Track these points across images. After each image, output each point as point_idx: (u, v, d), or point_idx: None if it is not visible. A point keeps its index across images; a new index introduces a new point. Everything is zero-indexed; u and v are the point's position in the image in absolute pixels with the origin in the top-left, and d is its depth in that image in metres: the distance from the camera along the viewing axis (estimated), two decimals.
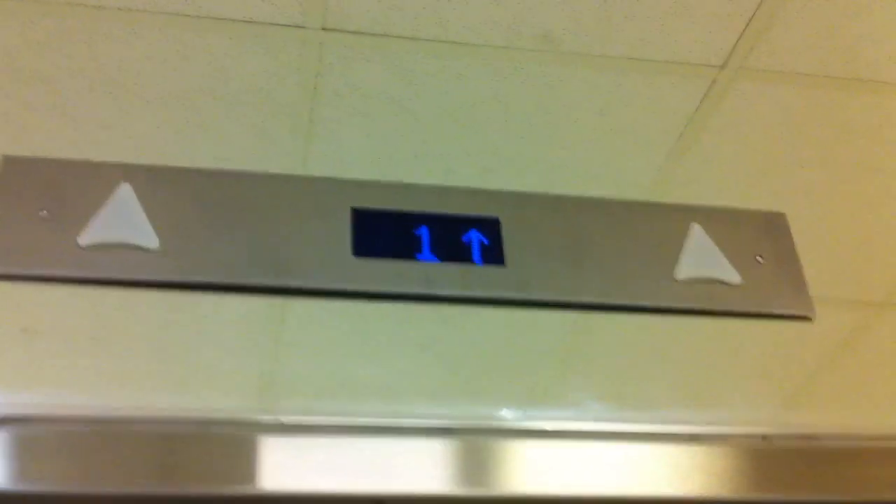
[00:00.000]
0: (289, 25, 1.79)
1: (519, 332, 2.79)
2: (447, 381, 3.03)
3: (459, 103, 1.98)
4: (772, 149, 2.15)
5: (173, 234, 1.73)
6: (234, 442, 3.04)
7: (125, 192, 1.76)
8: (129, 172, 1.79)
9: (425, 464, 3.18)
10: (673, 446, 3.35)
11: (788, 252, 2.04)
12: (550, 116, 2.02)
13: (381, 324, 2.70)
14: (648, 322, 2.76)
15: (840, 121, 2.08)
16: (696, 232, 1.99)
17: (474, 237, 1.85)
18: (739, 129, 2.09)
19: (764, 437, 3.40)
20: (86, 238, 1.68)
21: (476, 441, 3.23)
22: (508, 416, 3.25)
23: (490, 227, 1.88)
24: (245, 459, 3.06)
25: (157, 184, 1.78)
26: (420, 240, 1.82)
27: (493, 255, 1.84)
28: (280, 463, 3.06)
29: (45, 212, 1.71)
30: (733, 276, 1.93)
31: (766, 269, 1.98)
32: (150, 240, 1.71)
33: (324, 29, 1.80)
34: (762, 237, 2.03)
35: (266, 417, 3.08)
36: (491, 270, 1.82)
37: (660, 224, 1.98)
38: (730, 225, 2.03)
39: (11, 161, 1.77)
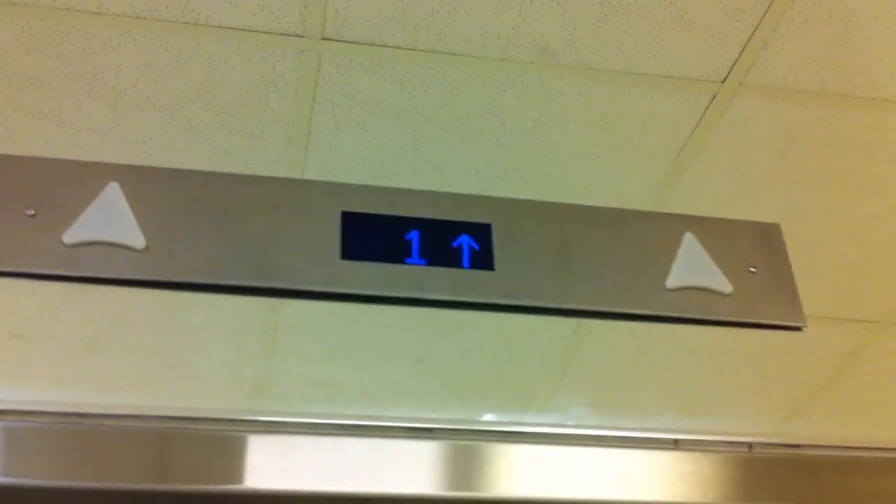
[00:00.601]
0: (287, 34, 1.78)
1: (507, 337, 2.78)
2: (435, 384, 3.02)
3: (457, 115, 1.97)
4: (771, 165, 2.15)
5: (160, 234, 1.72)
6: (223, 440, 3.03)
7: (113, 191, 1.75)
8: (117, 172, 1.78)
9: (413, 465, 3.18)
10: (658, 452, 3.35)
11: (781, 263, 2.04)
12: (547, 129, 2.02)
13: (372, 327, 2.69)
14: (638, 329, 2.76)
15: (839, 138, 2.08)
16: (689, 241, 1.98)
17: (465, 242, 1.84)
18: (739, 145, 2.08)
19: (749, 446, 3.40)
20: (71, 236, 1.67)
21: (463, 444, 3.22)
22: (495, 419, 3.25)
23: (481, 233, 1.87)
24: (234, 458, 3.05)
25: (146, 184, 1.77)
26: (410, 244, 1.82)
27: (483, 259, 1.83)
28: (269, 462, 3.05)
29: (31, 210, 1.70)
30: (725, 286, 1.93)
31: (759, 280, 1.98)
32: (137, 239, 1.70)
33: (323, 38, 1.79)
34: (755, 247, 2.03)
35: (255, 417, 3.08)
36: (480, 275, 1.81)
37: (652, 232, 1.98)
38: (723, 235, 2.02)
39: None
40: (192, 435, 2.99)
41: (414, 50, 1.83)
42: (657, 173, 2.15)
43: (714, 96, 1.96)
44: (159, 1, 1.70)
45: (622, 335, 2.81)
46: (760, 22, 1.81)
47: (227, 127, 1.96)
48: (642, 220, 2.01)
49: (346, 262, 1.76)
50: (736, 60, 1.89)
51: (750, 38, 1.84)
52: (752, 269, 1.98)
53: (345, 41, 1.80)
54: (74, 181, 1.75)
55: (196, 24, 1.75)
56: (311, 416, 3.10)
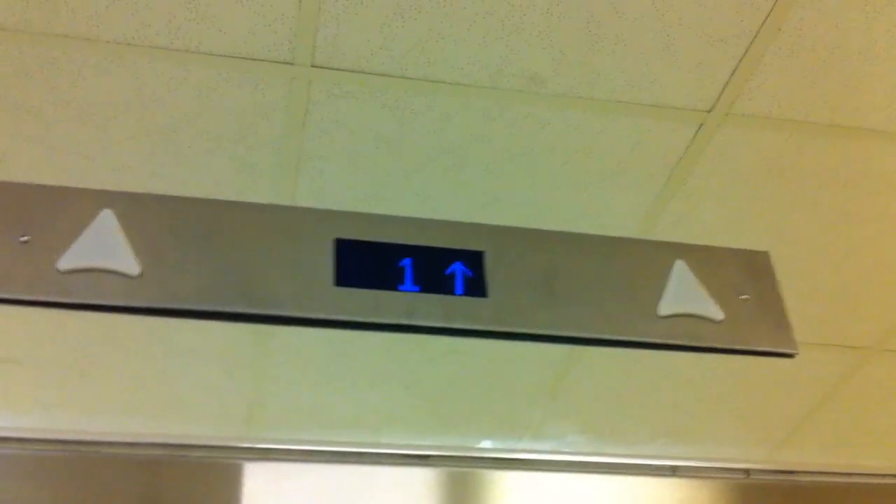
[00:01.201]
0: (277, 62, 1.79)
1: (499, 363, 2.79)
2: (427, 410, 3.02)
3: (446, 142, 1.98)
4: (758, 193, 2.16)
5: (154, 261, 1.72)
6: (215, 468, 3.03)
7: (107, 218, 1.75)
8: (111, 199, 1.78)
9: (406, 492, 3.18)
10: (654, 479, 3.35)
11: (772, 290, 2.04)
12: (536, 157, 2.03)
13: (363, 353, 2.69)
14: (631, 356, 2.76)
15: (825, 167, 2.10)
16: (680, 268, 1.98)
17: (458, 269, 1.85)
18: (726, 174, 2.10)
19: (746, 472, 3.40)
20: (65, 263, 1.67)
21: (455, 470, 3.22)
22: (488, 445, 3.25)
23: (474, 260, 1.87)
24: (227, 485, 3.05)
25: (139, 210, 1.77)
26: (403, 271, 1.82)
27: (477, 287, 1.83)
28: (262, 489, 3.05)
29: (25, 236, 1.70)
30: (716, 313, 1.93)
31: (750, 307, 1.98)
32: (131, 266, 1.69)
33: (313, 66, 1.81)
34: (746, 275, 2.03)
35: (247, 444, 3.08)
36: (473, 302, 1.81)
37: (643, 260, 1.98)
38: (713, 262, 2.02)
39: None
40: (185, 462, 2.99)
41: (404, 78, 1.85)
42: (645, 201, 2.16)
43: (701, 125, 1.98)
44: (150, 28, 1.72)
45: (615, 362, 2.82)
46: (746, 52, 1.83)
47: (217, 153, 1.97)
48: (634, 247, 2.01)
49: (340, 289, 1.76)
50: (722, 90, 1.90)
51: (736, 68, 1.86)
52: (742, 297, 1.98)
53: (335, 69, 1.82)
54: (69, 208, 1.75)
55: (187, 51, 1.76)
56: (304, 442, 3.10)
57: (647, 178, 2.10)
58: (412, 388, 2.86)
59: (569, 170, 2.07)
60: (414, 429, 3.11)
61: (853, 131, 2.01)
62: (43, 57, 1.76)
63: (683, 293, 1.94)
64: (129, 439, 2.96)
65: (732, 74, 1.87)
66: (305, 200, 2.09)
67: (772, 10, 1.75)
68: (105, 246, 1.71)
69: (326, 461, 3.13)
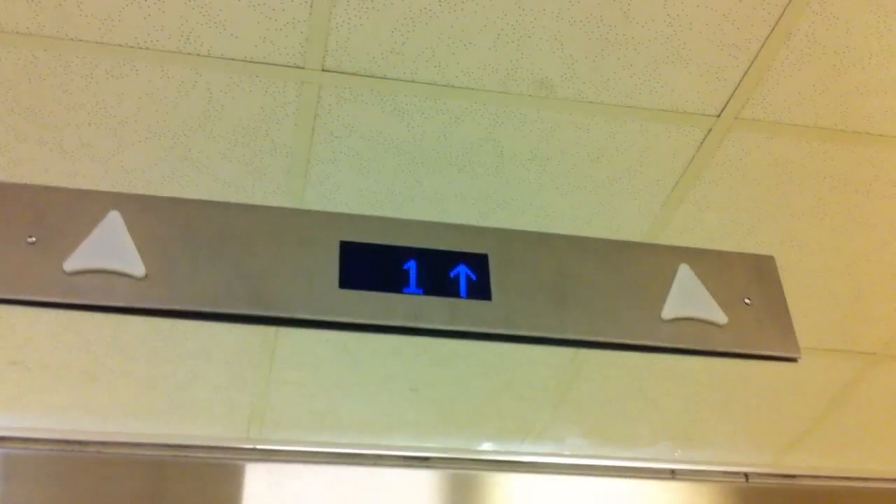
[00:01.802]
0: (288, 66, 1.80)
1: (503, 366, 2.79)
2: (431, 412, 3.02)
3: (455, 146, 1.99)
4: (766, 198, 2.16)
5: (160, 263, 1.73)
6: (220, 469, 3.03)
7: (113, 219, 1.76)
8: (118, 201, 1.78)
9: (409, 494, 3.18)
10: (655, 482, 3.36)
11: (776, 294, 2.04)
12: (545, 161, 2.03)
13: (368, 356, 2.69)
14: (633, 359, 2.76)
15: (833, 171, 2.10)
16: (685, 272, 1.99)
17: (462, 272, 1.85)
18: (735, 178, 2.10)
19: (746, 476, 3.41)
20: (72, 264, 1.68)
21: (459, 472, 3.22)
22: (491, 448, 3.25)
23: (478, 263, 1.87)
24: (231, 486, 3.05)
25: (146, 212, 1.78)
26: (408, 273, 1.82)
27: (480, 289, 1.84)
28: (265, 490, 3.05)
29: (32, 237, 1.70)
30: (720, 317, 1.93)
31: (754, 311, 1.99)
32: (137, 267, 1.70)
33: (323, 70, 1.81)
34: (751, 279, 2.04)
35: (252, 445, 3.08)
36: (477, 305, 1.82)
37: (648, 264, 1.99)
38: (718, 266, 2.03)
39: (0, 187, 1.77)
40: (189, 463, 2.99)
41: (413, 82, 1.85)
42: (653, 205, 2.17)
43: (710, 130, 1.98)
44: (161, 31, 1.72)
45: (618, 365, 2.82)
46: (756, 57, 1.83)
47: (228, 156, 1.98)
48: (638, 251, 2.02)
49: (345, 292, 1.77)
50: (731, 95, 1.91)
51: (745, 73, 1.86)
52: (746, 301, 1.99)
53: (345, 73, 1.82)
54: (76, 209, 1.75)
55: (198, 54, 1.77)
56: (308, 444, 3.10)
57: (655, 183, 2.11)
58: (416, 390, 2.86)
59: (578, 174, 2.07)
60: (417, 431, 3.11)
61: (862, 136, 2.02)
62: (55, 61, 1.76)
63: (687, 297, 1.95)
64: (134, 440, 2.96)
65: (742, 79, 1.87)
66: (314, 203, 2.09)
67: (782, 15, 1.75)
68: (111, 247, 1.72)
69: (329, 462, 3.13)
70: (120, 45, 1.74)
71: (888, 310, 2.56)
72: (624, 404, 3.02)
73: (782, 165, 2.08)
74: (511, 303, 1.84)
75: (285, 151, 1.97)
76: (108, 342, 2.52)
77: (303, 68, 1.80)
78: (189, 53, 1.76)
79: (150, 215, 1.78)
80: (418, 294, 1.80)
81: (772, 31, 1.79)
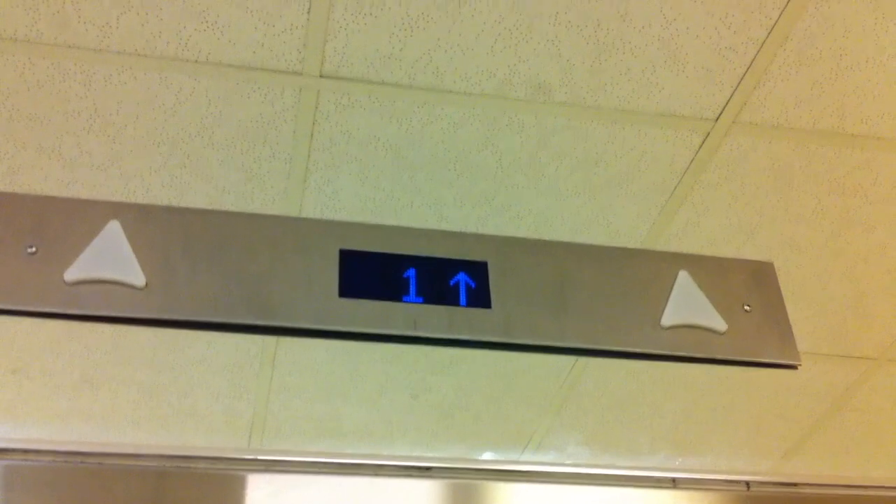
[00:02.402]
0: (286, 72, 1.80)
1: (504, 374, 2.78)
2: (432, 420, 3.02)
3: (453, 152, 1.99)
4: (765, 202, 2.16)
5: (160, 272, 1.73)
6: (220, 479, 3.03)
7: (113, 229, 1.76)
8: (118, 210, 1.79)
9: (411, 503, 3.18)
10: (655, 491, 3.35)
11: (775, 301, 2.04)
12: (543, 167, 2.04)
13: (368, 364, 2.69)
14: (634, 367, 2.76)
15: (832, 175, 2.10)
16: (684, 279, 1.99)
17: (462, 280, 1.85)
18: (733, 183, 2.10)
19: (747, 485, 3.40)
20: (72, 274, 1.68)
21: (460, 482, 3.22)
22: (492, 457, 3.24)
23: (478, 271, 1.87)
24: (232, 497, 3.04)
25: (146, 222, 1.78)
26: (408, 282, 1.82)
27: (480, 297, 1.84)
28: (266, 501, 3.05)
29: (32, 247, 1.70)
30: (720, 324, 1.93)
31: (754, 318, 1.99)
32: (137, 277, 1.70)
33: (321, 76, 1.81)
34: (750, 286, 2.04)
35: (252, 455, 3.07)
36: (477, 313, 1.82)
37: (647, 271, 1.99)
38: (717, 273, 2.03)
39: (1, 197, 1.77)
40: (190, 473, 2.99)
41: (411, 88, 1.85)
42: (652, 210, 2.17)
43: (708, 134, 1.98)
44: (160, 38, 1.72)
45: (618, 373, 2.81)
46: (753, 61, 1.84)
47: (226, 163, 1.98)
48: (637, 258, 2.02)
49: (344, 300, 1.77)
50: (729, 99, 1.91)
51: (743, 77, 1.86)
52: (746, 308, 1.99)
53: (343, 78, 1.82)
54: (76, 219, 1.75)
55: (196, 61, 1.77)
56: (309, 454, 3.10)
57: (653, 187, 2.11)
58: (417, 397, 2.85)
59: (576, 179, 2.07)
60: (418, 437, 3.11)
61: (861, 139, 2.02)
62: (53, 68, 1.76)
63: (687, 304, 1.95)
64: (135, 450, 2.96)
65: (739, 83, 1.88)
66: (313, 210, 2.09)
67: (779, 18, 1.76)
68: (111, 257, 1.72)
69: (330, 473, 3.12)
70: (118, 52, 1.74)
71: (889, 314, 2.55)
72: (624, 412, 3.01)
73: (780, 169, 2.08)
74: (511, 310, 1.84)
75: (284, 158, 1.97)
76: (109, 351, 2.52)
77: (301, 74, 1.81)
78: (187, 60, 1.77)
79: (150, 225, 1.78)
80: (418, 302, 1.79)
81: (769, 35, 1.79)
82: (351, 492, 3.11)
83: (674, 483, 3.36)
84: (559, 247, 1.98)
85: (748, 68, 1.85)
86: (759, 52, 1.82)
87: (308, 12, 1.69)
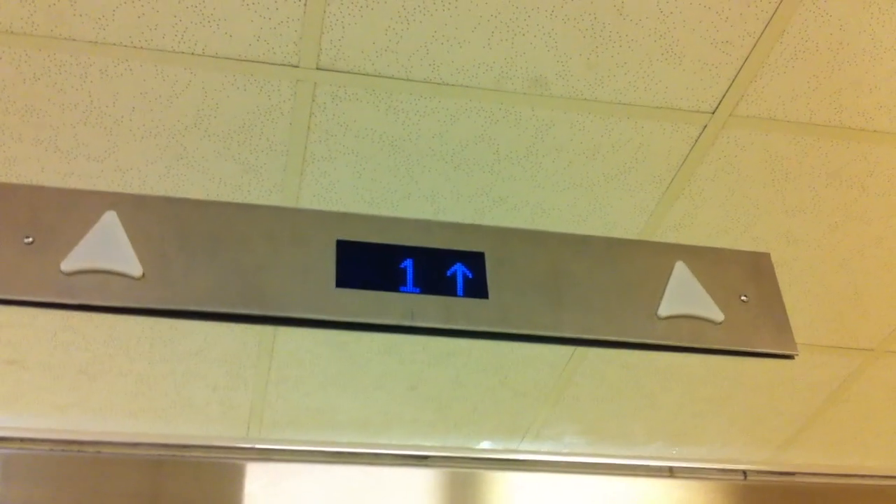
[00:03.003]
0: (283, 64, 1.80)
1: (501, 364, 2.79)
2: (429, 411, 3.03)
3: (450, 144, 1.99)
4: (762, 195, 2.17)
5: (157, 262, 1.72)
6: (218, 468, 3.04)
7: (110, 219, 1.75)
8: (114, 200, 1.78)
9: (408, 493, 3.18)
10: (653, 480, 3.36)
11: (772, 291, 2.04)
12: (540, 159, 2.04)
13: (366, 354, 2.70)
14: (631, 357, 2.77)
15: (829, 168, 2.10)
16: (681, 270, 1.99)
17: (459, 270, 1.85)
18: (730, 175, 2.10)
19: (744, 474, 3.41)
20: (68, 264, 1.67)
21: (457, 471, 3.23)
22: (489, 446, 3.25)
23: (475, 261, 1.87)
24: (229, 486, 3.05)
25: (143, 212, 1.78)
26: (405, 272, 1.82)
27: (477, 288, 1.83)
28: (264, 490, 3.06)
29: (29, 238, 1.70)
30: (716, 314, 1.93)
31: (750, 308, 1.98)
32: (134, 267, 1.70)
33: (318, 69, 1.81)
34: (746, 276, 2.03)
35: (250, 444, 3.08)
36: (474, 303, 1.81)
37: (644, 261, 1.98)
38: (714, 264, 2.02)
39: None
40: (188, 462, 3.00)
41: (408, 80, 1.85)
42: (648, 202, 2.17)
43: (704, 127, 1.98)
44: (156, 31, 1.72)
45: (615, 363, 2.82)
46: (750, 54, 1.83)
47: (223, 155, 1.98)
48: (634, 249, 2.01)
49: (341, 291, 1.77)
50: (726, 92, 1.91)
51: (740, 69, 1.86)
52: (743, 298, 1.99)
53: (340, 71, 1.82)
54: (72, 209, 1.75)
55: (192, 53, 1.77)
56: (306, 443, 3.10)
57: (650, 180, 2.11)
58: (414, 389, 2.86)
59: (573, 171, 2.07)
60: (416, 428, 3.11)
61: (857, 132, 2.02)
62: (49, 60, 1.76)
63: (683, 294, 1.95)
64: (132, 440, 2.97)
65: (736, 76, 1.88)
66: (310, 202, 2.09)
67: (775, 11, 1.76)
68: (108, 247, 1.72)
69: (328, 462, 3.13)
70: (114, 45, 1.74)
71: (885, 305, 2.56)
72: (621, 402, 3.02)
73: (777, 162, 2.08)
74: (507, 301, 1.83)
75: (281, 150, 1.97)
76: (106, 341, 2.52)
77: (297, 67, 1.80)
78: (183, 52, 1.77)
79: (147, 215, 1.78)
80: (415, 293, 1.79)
81: (765, 28, 1.79)
82: (348, 481, 3.12)
83: (671, 472, 3.37)
84: (556, 237, 1.97)
85: (745, 61, 1.85)
86: (755, 45, 1.82)
87: (304, 4, 1.69)
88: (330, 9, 1.70)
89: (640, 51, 1.82)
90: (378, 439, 3.13)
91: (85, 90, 1.82)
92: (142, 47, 1.75)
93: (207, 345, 2.58)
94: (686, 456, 3.36)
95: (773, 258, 2.07)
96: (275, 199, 2.08)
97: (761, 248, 2.09)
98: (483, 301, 1.81)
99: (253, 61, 1.79)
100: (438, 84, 1.86)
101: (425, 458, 3.21)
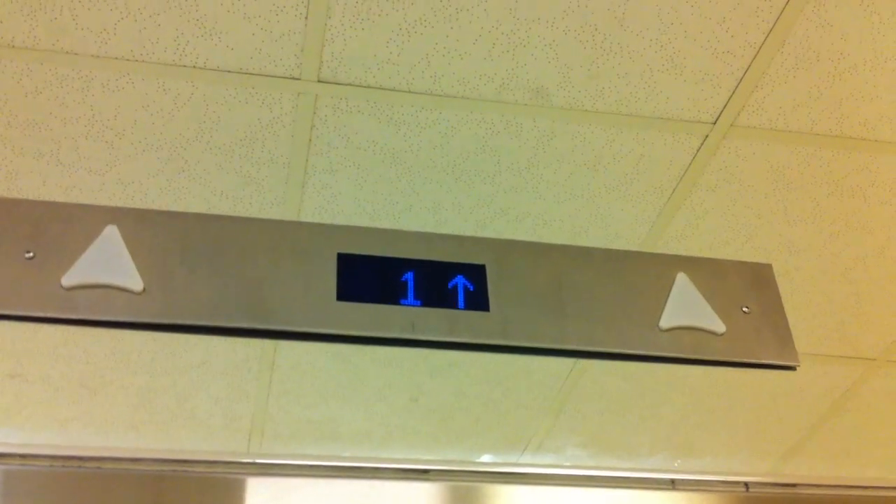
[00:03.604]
0: (284, 77, 1.80)
1: (503, 376, 2.79)
2: (431, 423, 3.02)
3: (452, 156, 1.99)
4: (763, 205, 2.17)
5: (158, 277, 1.72)
6: (220, 483, 3.03)
7: (111, 234, 1.75)
8: (115, 215, 1.77)
9: None
10: (654, 492, 3.35)
11: (774, 302, 2.04)
12: (541, 170, 2.04)
13: (367, 367, 2.69)
14: (633, 369, 2.76)
15: (830, 178, 2.10)
16: (682, 281, 1.98)
17: (460, 283, 1.85)
18: (731, 186, 2.10)
19: (746, 486, 3.40)
20: (69, 279, 1.67)
21: (459, 485, 3.22)
22: (491, 459, 3.24)
23: (476, 274, 1.87)
24: (231, 501, 3.04)
25: (144, 227, 1.77)
26: (406, 285, 1.82)
27: (478, 300, 1.83)
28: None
29: (30, 252, 1.70)
30: (718, 326, 1.92)
31: (752, 319, 1.98)
32: (135, 282, 1.69)
33: (319, 81, 1.81)
34: (748, 287, 2.03)
35: (251, 459, 3.07)
36: (475, 316, 1.81)
37: (645, 273, 1.98)
38: (716, 275, 2.02)
39: None
40: (189, 478, 2.99)
41: (409, 92, 1.85)
42: (650, 213, 2.17)
43: (706, 137, 1.98)
44: (158, 44, 1.72)
45: (617, 375, 2.81)
46: (751, 65, 1.84)
47: (224, 168, 1.98)
48: (635, 260, 2.01)
49: (342, 304, 1.76)
50: (727, 102, 1.91)
51: (741, 80, 1.87)
52: (744, 309, 1.98)
53: (341, 83, 1.82)
54: (73, 224, 1.74)
55: (194, 66, 1.77)
56: (308, 457, 3.10)
57: (652, 191, 2.11)
58: (415, 400, 2.85)
59: (574, 182, 2.07)
60: (417, 440, 3.11)
61: (858, 142, 2.02)
62: (51, 74, 1.76)
63: (685, 306, 1.94)
64: (133, 455, 2.96)
65: (737, 86, 1.88)
66: (311, 215, 2.09)
67: (776, 22, 1.76)
68: (109, 262, 1.71)
69: (330, 476, 3.12)
70: (115, 58, 1.74)
71: (887, 315, 2.56)
72: (623, 414, 3.02)
73: (779, 172, 2.08)
74: (509, 313, 1.83)
75: (282, 162, 1.97)
76: (107, 355, 2.52)
77: (299, 79, 1.81)
78: (184, 66, 1.77)
79: (148, 229, 1.77)
80: (416, 306, 1.79)
81: (766, 38, 1.79)
82: (350, 495, 3.11)
83: (673, 484, 3.36)
84: (557, 249, 1.97)
85: (746, 71, 1.85)
86: (756, 55, 1.82)
87: (306, 17, 1.69)
88: (331, 21, 1.70)
89: (642, 61, 1.82)
90: (379, 451, 3.13)
91: (87, 104, 1.82)
92: (143, 61, 1.75)
93: (209, 357, 2.58)
94: (688, 468, 3.35)
95: (775, 268, 2.06)
96: (276, 212, 2.08)
97: (763, 259, 2.09)
98: (484, 314, 1.81)
99: (254, 74, 1.79)
100: (440, 96, 1.86)
101: (426, 471, 3.20)
